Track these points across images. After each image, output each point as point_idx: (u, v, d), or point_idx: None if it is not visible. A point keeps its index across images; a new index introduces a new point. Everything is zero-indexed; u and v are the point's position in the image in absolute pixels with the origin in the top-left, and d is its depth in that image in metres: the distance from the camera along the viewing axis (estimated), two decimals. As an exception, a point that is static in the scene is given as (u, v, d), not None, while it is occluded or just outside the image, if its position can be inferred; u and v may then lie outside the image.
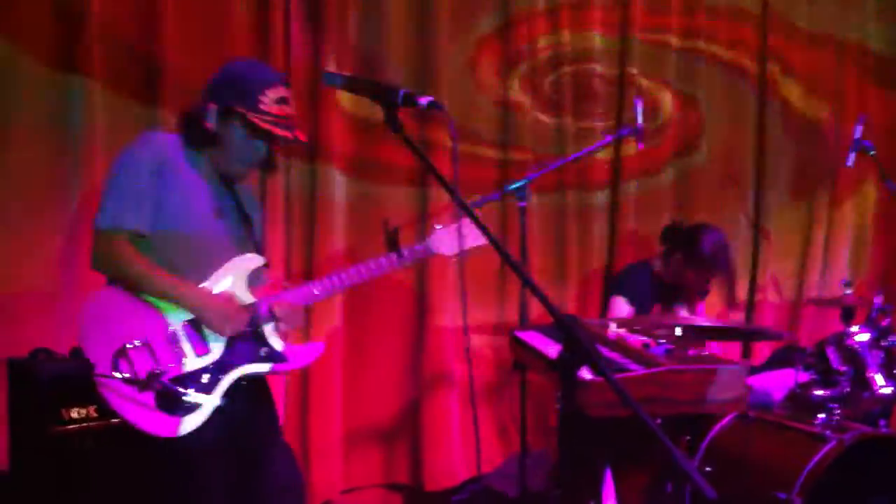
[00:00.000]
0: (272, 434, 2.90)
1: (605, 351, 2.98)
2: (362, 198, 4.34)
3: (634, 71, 4.82)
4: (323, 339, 2.95)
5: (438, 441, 4.45)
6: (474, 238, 2.86)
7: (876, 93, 5.42)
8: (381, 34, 4.33)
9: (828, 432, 3.27)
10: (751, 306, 5.17)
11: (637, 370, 2.69)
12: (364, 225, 4.28)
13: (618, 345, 3.04)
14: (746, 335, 4.51)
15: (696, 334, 3.34)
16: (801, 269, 5.32)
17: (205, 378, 2.54)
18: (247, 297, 2.65)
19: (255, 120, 2.56)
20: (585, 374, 2.42)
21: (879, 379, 3.57)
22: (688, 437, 3.52)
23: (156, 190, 2.53)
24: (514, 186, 3.77)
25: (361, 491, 4.45)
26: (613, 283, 4.29)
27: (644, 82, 4.86)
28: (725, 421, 3.58)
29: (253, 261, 2.69)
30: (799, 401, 3.68)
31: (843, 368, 3.56)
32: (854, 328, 3.65)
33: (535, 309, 3.80)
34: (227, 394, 2.57)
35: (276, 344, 2.68)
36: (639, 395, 2.57)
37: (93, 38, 3.69)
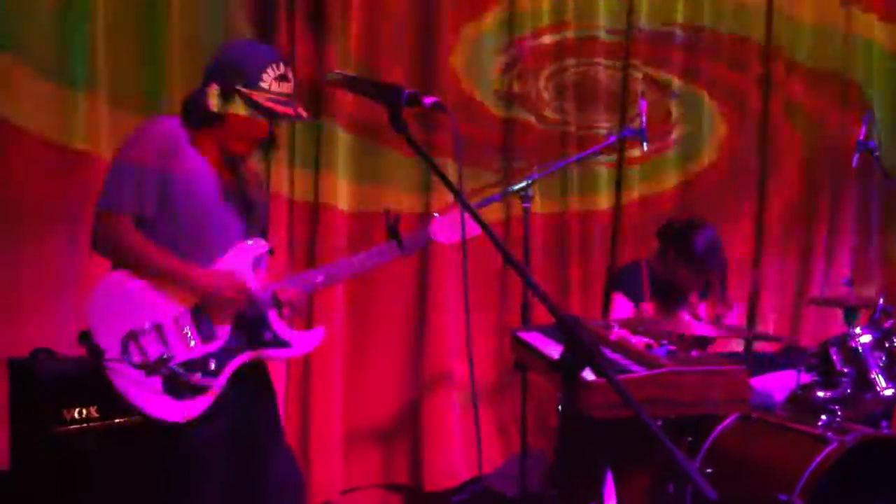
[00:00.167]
0: (274, 433, 2.91)
1: (606, 352, 2.98)
2: (365, 201, 4.33)
3: (639, 67, 4.80)
4: (323, 328, 3.03)
5: (439, 441, 4.45)
6: (473, 227, 2.86)
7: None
8: (383, 34, 4.33)
9: (830, 434, 3.26)
10: (753, 307, 5.16)
11: (639, 371, 2.70)
12: (366, 230, 4.28)
13: (619, 346, 3.04)
14: (748, 339, 4.50)
15: (698, 338, 3.34)
16: (804, 269, 5.31)
17: (211, 363, 2.57)
18: (251, 283, 2.66)
19: (257, 98, 2.57)
20: (587, 375, 2.42)
21: (882, 380, 3.56)
22: (689, 439, 3.51)
23: (161, 174, 2.54)
24: (517, 187, 3.77)
25: (361, 491, 4.45)
26: (612, 282, 4.30)
27: (649, 71, 4.85)
28: (727, 422, 3.57)
29: (258, 246, 2.71)
30: (801, 402, 3.67)
31: (846, 370, 3.55)
32: (857, 329, 3.64)
33: (538, 310, 3.79)
34: (232, 379, 2.60)
35: (280, 330, 2.71)
36: (640, 396, 2.56)
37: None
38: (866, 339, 3.61)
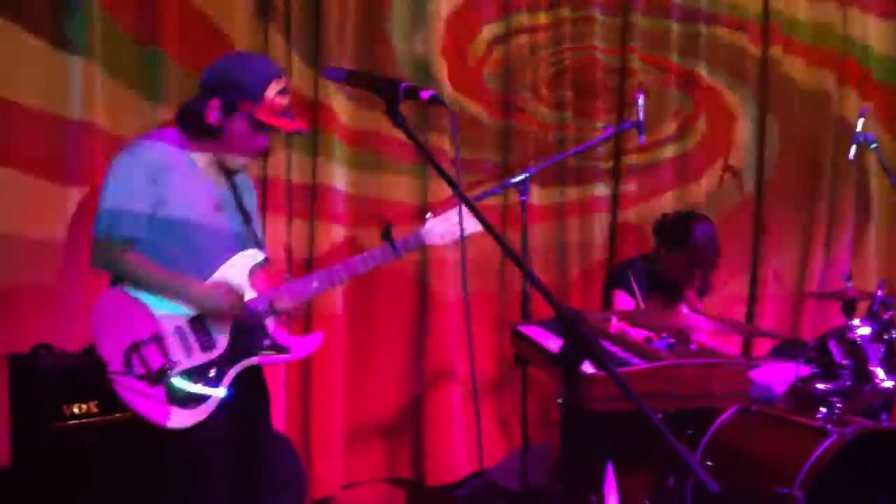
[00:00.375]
0: (269, 429, 2.97)
1: (606, 345, 2.98)
2: (363, 194, 4.34)
3: (635, 58, 4.81)
4: (321, 331, 3.05)
5: (440, 436, 4.45)
6: (466, 227, 2.87)
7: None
8: (377, 29, 4.33)
9: (829, 426, 3.26)
10: (752, 301, 5.16)
11: (639, 364, 2.70)
12: (365, 219, 4.29)
13: (619, 339, 3.04)
14: (748, 334, 4.51)
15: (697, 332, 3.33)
16: (803, 262, 5.30)
17: (212, 372, 2.62)
18: (248, 292, 2.69)
19: (261, 116, 2.59)
20: (588, 368, 2.42)
21: (881, 373, 3.56)
22: (689, 432, 3.52)
23: (153, 195, 2.57)
24: (515, 180, 3.77)
25: (363, 486, 4.46)
26: (612, 279, 4.29)
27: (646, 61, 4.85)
28: (727, 415, 3.57)
29: (253, 256, 2.73)
30: (800, 395, 3.67)
31: (845, 362, 3.55)
32: (856, 321, 3.64)
33: (538, 303, 3.79)
34: (232, 385, 2.64)
35: (279, 336, 2.75)
36: (641, 389, 2.57)
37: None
38: (865, 331, 3.61)
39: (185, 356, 2.59)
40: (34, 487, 3.12)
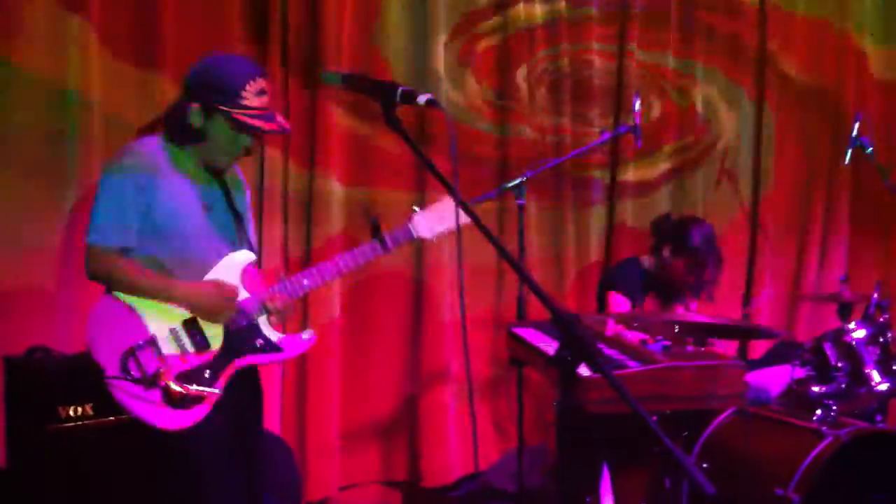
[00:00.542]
0: (261, 429, 2.99)
1: (602, 348, 2.98)
2: (360, 197, 4.34)
3: (634, 49, 4.82)
4: (317, 332, 3.06)
5: (436, 437, 4.46)
6: (453, 220, 2.86)
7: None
8: (377, 33, 4.33)
9: (825, 428, 3.27)
10: (747, 302, 5.17)
11: (635, 367, 2.70)
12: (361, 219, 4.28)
13: (615, 341, 3.04)
14: (744, 333, 4.50)
15: (693, 332, 3.33)
16: (799, 265, 5.32)
17: (206, 373, 2.63)
18: (240, 293, 2.70)
19: (239, 117, 2.61)
20: (583, 370, 2.42)
21: (876, 375, 3.57)
22: (685, 434, 3.52)
23: (142, 204, 2.60)
24: (511, 184, 3.78)
25: (359, 487, 4.45)
26: (607, 280, 4.29)
27: (643, 56, 4.86)
28: (723, 417, 3.58)
29: (244, 257, 2.75)
30: (796, 397, 3.68)
31: (841, 364, 3.56)
32: (851, 324, 3.65)
33: (534, 306, 3.79)
34: (227, 386, 2.66)
35: (272, 335, 2.75)
36: (637, 391, 2.56)
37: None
38: (860, 333, 3.62)
39: (179, 359, 2.61)
40: (30, 489, 3.12)
